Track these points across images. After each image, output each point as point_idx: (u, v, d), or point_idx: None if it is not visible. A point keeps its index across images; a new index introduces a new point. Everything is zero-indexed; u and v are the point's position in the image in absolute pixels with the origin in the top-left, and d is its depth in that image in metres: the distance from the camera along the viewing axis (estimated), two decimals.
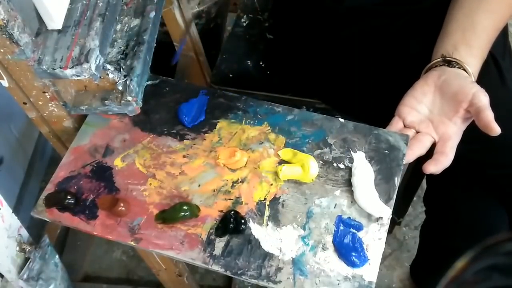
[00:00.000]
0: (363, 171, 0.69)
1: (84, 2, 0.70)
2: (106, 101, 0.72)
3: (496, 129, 0.67)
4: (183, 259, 0.65)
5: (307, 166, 0.68)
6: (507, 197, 0.93)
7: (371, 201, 0.66)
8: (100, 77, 0.70)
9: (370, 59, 0.91)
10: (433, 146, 0.73)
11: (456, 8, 0.77)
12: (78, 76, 0.65)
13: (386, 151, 0.71)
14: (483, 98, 0.68)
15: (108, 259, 1.40)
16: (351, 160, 0.71)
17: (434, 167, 0.70)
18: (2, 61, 0.66)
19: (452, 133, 0.71)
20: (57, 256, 0.79)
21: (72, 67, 0.64)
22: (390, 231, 1.39)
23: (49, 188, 0.72)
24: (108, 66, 0.70)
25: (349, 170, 0.70)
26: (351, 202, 0.68)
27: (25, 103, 0.74)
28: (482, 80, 0.74)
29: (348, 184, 0.69)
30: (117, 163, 0.73)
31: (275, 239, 0.65)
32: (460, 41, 0.74)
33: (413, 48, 0.86)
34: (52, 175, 0.73)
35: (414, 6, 0.87)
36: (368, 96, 0.93)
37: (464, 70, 0.73)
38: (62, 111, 0.75)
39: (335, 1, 0.86)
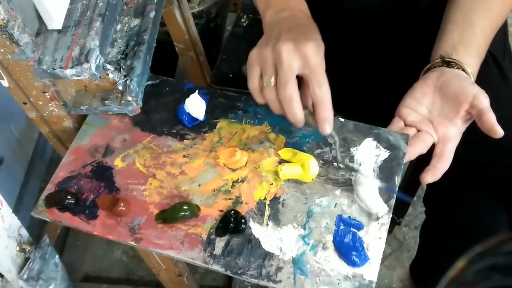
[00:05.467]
0: (369, 162, 0.70)
1: (84, 2, 0.70)
2: (106, 101, 0.72)
3: (499, 132, 0.67)
4: (183, 259, 0.65)
5: (307, 166, 0.68)
6: (507, 197, 0.93)
7: (372, 195, 0.66)
8: (100, 77, 0.70)
9: (370, 59, 0.91)
10: (433, 147, 0.73)
11: (453, 8, 0.77)
12: (78, 76, 0.65)
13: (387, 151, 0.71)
14: (484, 100, 0.68)
15: (108, 259, 1.40)
16: (351, 160, 0.71)
17: (431, 176, 0.69)
18: (2, 61, 0.66)
19: (452, 135, 0.71)
20: (57, 256, 0.79)
21: (72, 67, 0.64)
22: (390, 231, 1.39)
23: (49, 188, 0.72)
24: (108, 66, 0.70)
25: (349, 169, 0.70)
26: (351, 201, 0.68)
27: (25, 103, 0.74)
28: (483, 80, 0.74)
29: (349, 183, 0.69)
30: (117, 163, 0.73)
31: (275, 238, 0.65)
32: (458, 41, 0.74)
33: (413, 47, 0.86)
34: (52, 175, 0.73)
35: (414, 6, 0.87)
36: (368, 96, 0.93)
37: (463, 70, 0.73)
38: (62, 111, 0.75)
39: (334, 3, 0.86)
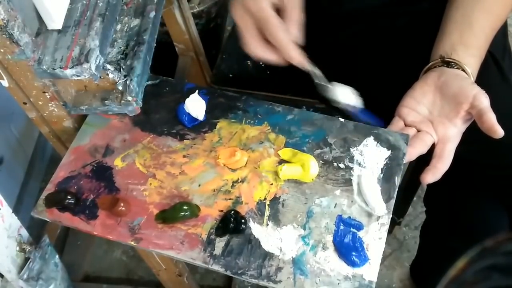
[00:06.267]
0: (372, 160, 0.70)
1: (84, 2, 0.70)
2: (106, 101, 0.72)
3: (499, 132, 0.67)
4: (183, 259, 0.65)
5: (307, 166, 0.68)
6: (507, 197, 0.93)
7: (374, 194, 0.66)
8: (100, 77, 0.70)
9: (370, 59, 0.91)
10: (433, 147, 0.73)
11: (453, 8, 0.78)
12: (78, 76, 0.65)
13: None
14: (484, 100, 0.68)
15: (108, 259, 1.40)
16: (351, 160, 0.71)
17: (432, 176, 0.69)
18: (2, 61, 0.66)
19: (452, 135, 0.71)
20: (57, 256, 0.79)
21: (72, 67, 0.64)
22: (390, 231, 1.39)
23: (49, 188, 0.72)
24: (108, 66, 0.70)
25: (349, 169, 0.70)
26: (351, 201, 0.68)
27: (25, 103, 0.74)
28: (483, 81, 0.74)
29: (349, 183, 0.69)
30: (117, 163, 0.73)
31: (275, 238, 0.65)
32: (458, 41, 0.74)
33: (413, 47, 0.86)
34: (52, 175, 0.73)
35: (414, 7, 0.87)
36: (368, 96, 0.93)
37: (463, 70, 0.73)
38: (62, 111, 0.75)
39: (334, 4, 0.86)
